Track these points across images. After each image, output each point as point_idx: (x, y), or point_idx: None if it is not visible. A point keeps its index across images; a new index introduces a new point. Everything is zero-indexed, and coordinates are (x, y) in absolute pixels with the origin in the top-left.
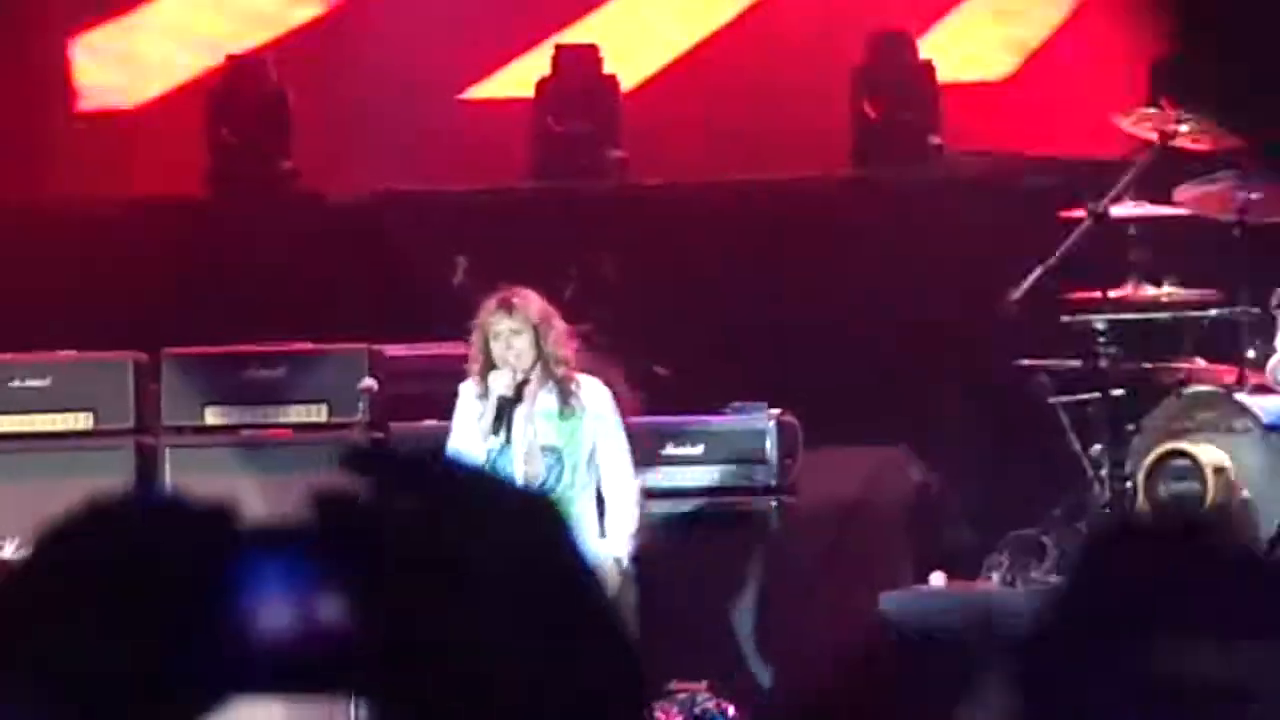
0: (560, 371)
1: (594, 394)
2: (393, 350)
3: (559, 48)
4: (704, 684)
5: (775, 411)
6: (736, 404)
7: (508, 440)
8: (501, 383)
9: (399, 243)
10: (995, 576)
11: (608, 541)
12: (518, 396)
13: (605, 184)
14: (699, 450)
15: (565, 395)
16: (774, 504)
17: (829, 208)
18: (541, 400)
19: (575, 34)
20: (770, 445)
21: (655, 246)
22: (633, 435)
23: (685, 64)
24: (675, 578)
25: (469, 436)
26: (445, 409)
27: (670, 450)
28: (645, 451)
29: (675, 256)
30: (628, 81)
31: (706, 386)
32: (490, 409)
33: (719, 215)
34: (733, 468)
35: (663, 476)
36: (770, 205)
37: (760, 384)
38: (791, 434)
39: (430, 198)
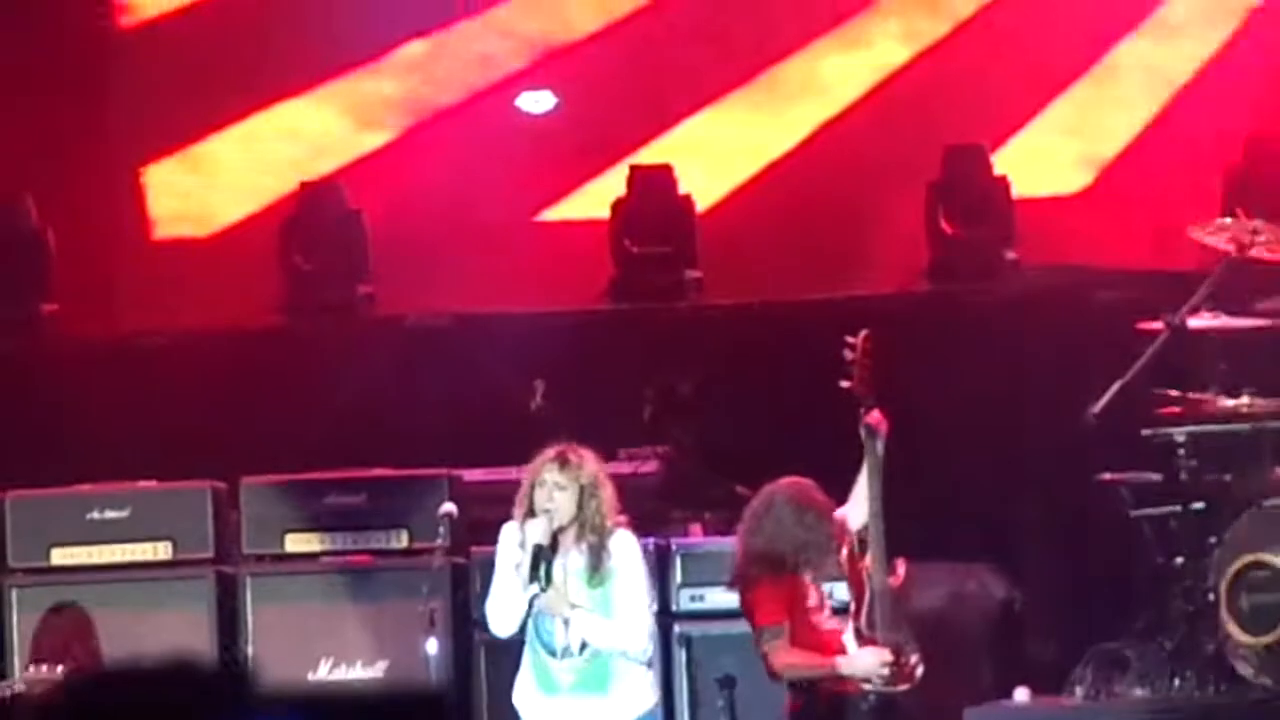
0: (593, 539)
1: (622, 549)
2: (471, 475)
3: (634, 168)
4: None
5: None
6: None
7: (545, 588)
8: (537, 531)
9: (476, 366)
10: (1079, 691)
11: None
12: (553, 546)
13: (682, 304)
14: None
15: (596, 561)
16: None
17: (907, 324)
18: (573, 560)
19: (650, 154)
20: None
21: (733, 366)
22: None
23: (759, 182)
24: (758, 698)
25: (508, 583)
26: None
27: None
28: (726, 572)
29: (753, 375)
30: (703, 201)
31: None
32: (527, 556)
33: (795, 334)
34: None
35: None
36: (847, 322)
37: (840, 501)
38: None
39: (507, 320)
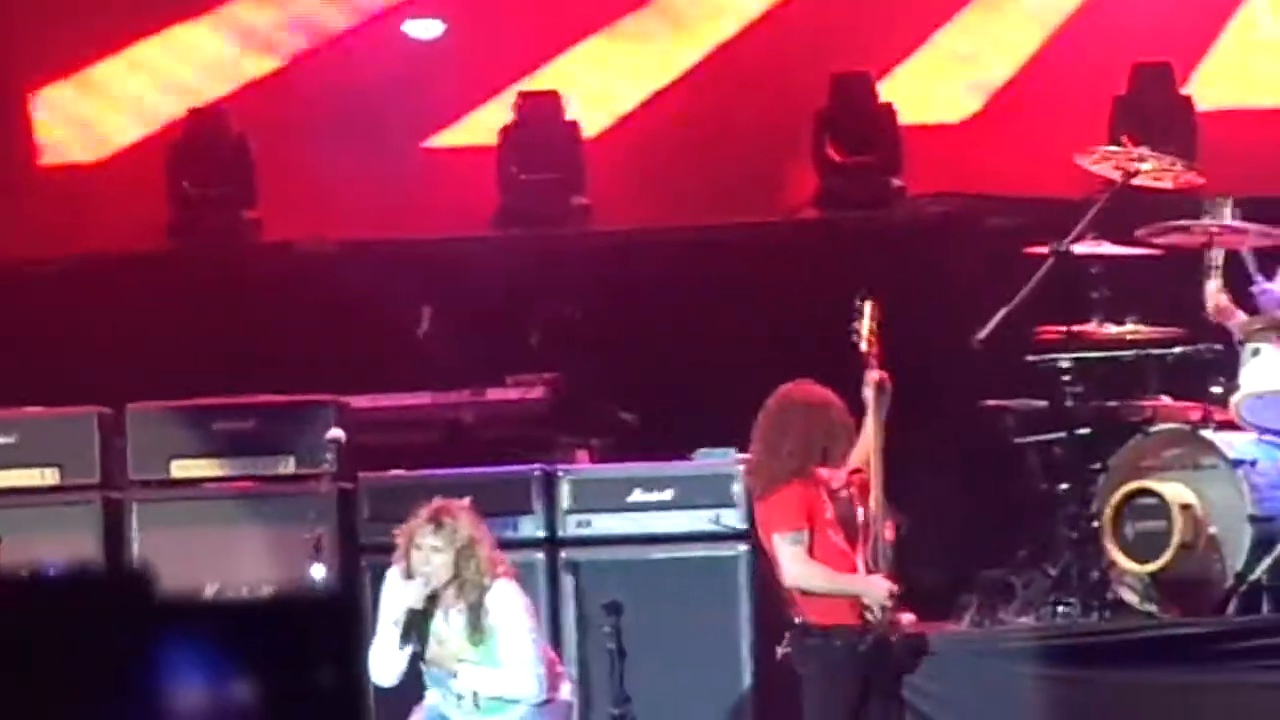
0: (472, 598)
1: (502, 602)
2: (358, 401)
3: (521, 95)
4: None
5: (743, 455)
6: (704, 449)
7: (420, 652)
8: (412, 594)
9: (364, 293)
10: (964, 618)
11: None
12: (427, 611)
13: (569, 231)
14: (668, 495)
15: (476, 619)
16: (743, 548)
17: (793, 251)
18: (454, 618)
19: (539, 81)
20: (738, 489)
21: (620, 293)
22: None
23: (648, 110)
24: (646, 623)
25: (389, 636)
26: (411, 459)
27: (639, 496)
28: (614, 498)
29: (640, 302)
30: (592, 128)
31: (674, 432)
32: (403, 619)
33: (683, 260)
34: (701, 512)
35: (632, 523)
36: (735, 249)
37: (728, 428)
38: None
39: (394, 247)
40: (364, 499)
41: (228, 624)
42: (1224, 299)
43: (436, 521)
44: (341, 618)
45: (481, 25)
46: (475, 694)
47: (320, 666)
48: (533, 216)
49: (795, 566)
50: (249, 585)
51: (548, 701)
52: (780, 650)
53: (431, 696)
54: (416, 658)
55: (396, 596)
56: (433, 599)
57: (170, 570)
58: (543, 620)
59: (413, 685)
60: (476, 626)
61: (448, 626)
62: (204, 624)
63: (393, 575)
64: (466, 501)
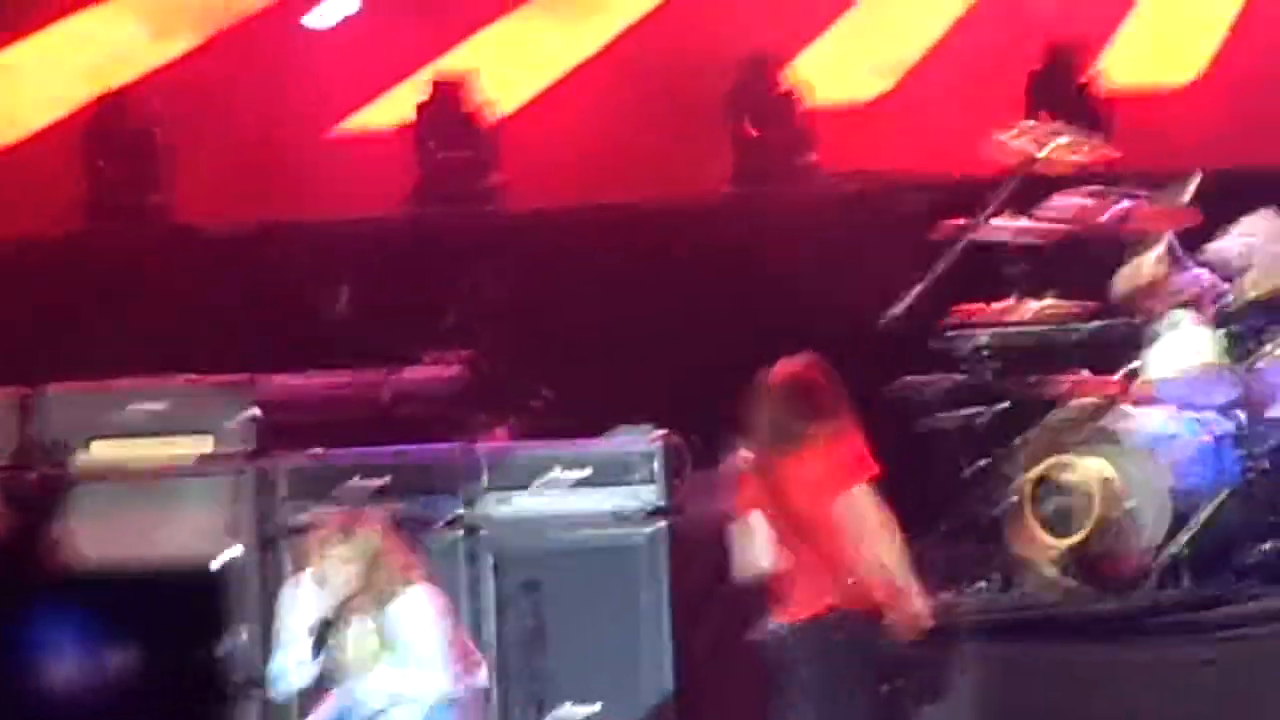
0: (382, 607)
1: (412, 608)
2: (276, 381)
3: (434, 76)
4: (598, 706)
5: (661, 433)
6: (622, 426)
7: (330, 658)
8: (323, 604)
9: (280, 273)
10: None
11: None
12: (337, 619)
13: (485, 209)
14: (586, 473)
15: (385, 629)
16: (662, 525)
17: (707, 228)
18: (365, 626)
19: (451, 61)
20: (656, 466)
21: (536, 271)
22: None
23: (562, 89)
24: (564, 601)
25: (296, 643)
26: (328, 437)
27: (556, 474)
28: (532, 476)
29: (556, 280)
30: (505, 107)
31: (592, 409)
32: (313, 628)
33: (598, 238)
34: (620, 490)
35: (549, 501)
36: (649, 226)
37: (646, 405)
38: (678, 455)
39: (309, 227)
40: (281, 479)
41: (116, 596)
42: (1162, 269)
43: (345, 532)
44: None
45: (395, 4)
46: (384, 694)
47: (204, 641)
48: (449, 195)
49: (882, 513)
50: (165, 565)
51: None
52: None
53: (338, 695)
54: (327, 661)
55: (307, 604)
56: (344, 606)
57: (87, 551)
58: (461, 600)
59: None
60: (386, 635)
61: (358, 634)
62: (93, 596)
63: (303, 581)
64: (377, 513)
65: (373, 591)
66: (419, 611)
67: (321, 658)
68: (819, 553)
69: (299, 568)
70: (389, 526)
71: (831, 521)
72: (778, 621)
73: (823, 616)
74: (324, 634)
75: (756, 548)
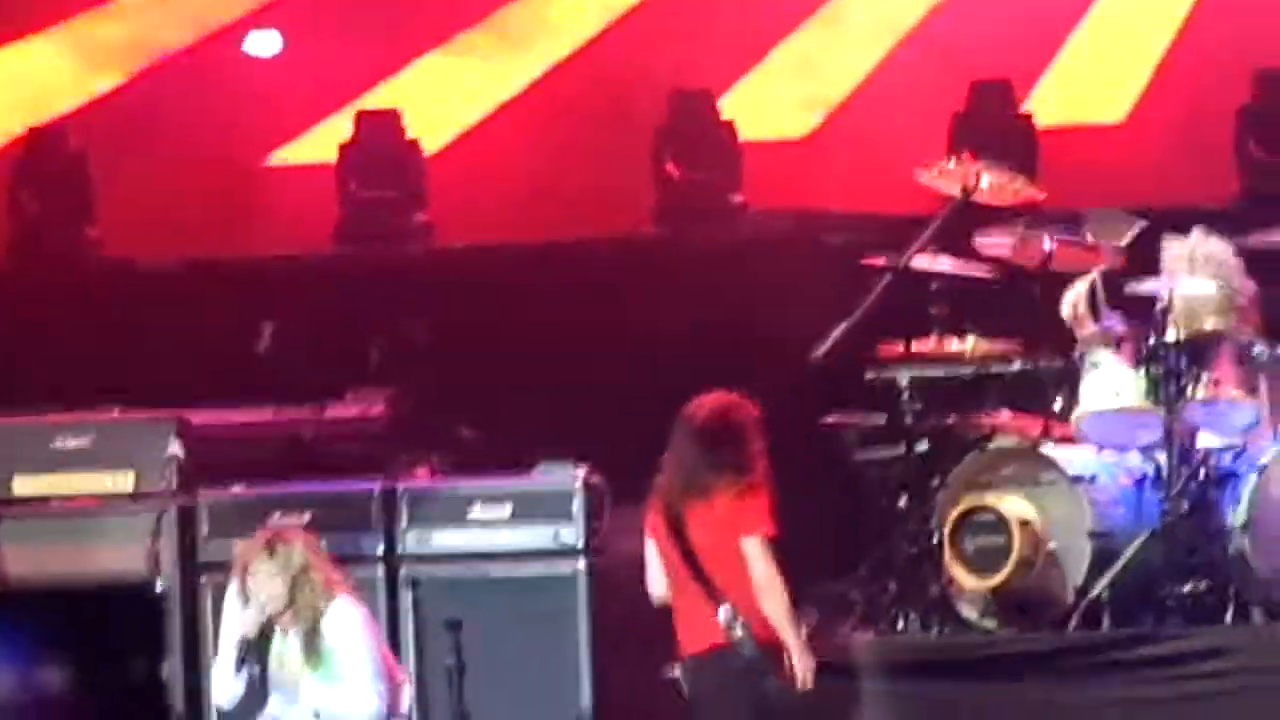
0: (308, 622)
1: (340, 622)
2: (199, 418)
3: (360, 113)
4: None
5: (582, 471)
6: (544, 464)
7: (262, 673)
8: (249, 620)
9: (204, 310)
10: (803, 632)
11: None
12: (266, 634)
13: (410, 248)
14: (506, 512)
15: (313, 642)
16: (581, 564)
17: (633, 268)
18: (292, 641)
19: (379, 98)
20: (577, 505)
21: (461, 309)
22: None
23: (488, 127)
24: (485, 639)
25: (228, 658)
26: (251, 474)
27: (477, 513)
28: (453, 514)
29: (481, 319)
30: (430, 146)
31: (514, 448)
32: (239, 644)
33: (524, 277)
34: (540, 528)
35: (470, 539)
36: (575, 266)
37: (568, 444)
38: (599, 494)
39: (235, 264)
40: (204, 515)
41: (45, 615)
42: (1083, 307)
43: (270, 548)
44: (157, 616)
45: (323, 41)
46: (316, 712)
47: (133, 660)
48: (373, 234)
49: (772, 570)
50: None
51: (390, 715)
52: (682, 674)
53: (273, 706)
54: (261, 677)
55: (231, 620)
56: (271, 621)
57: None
58: (382, 636)
59: (256, 699)
60: (314, 648)
61: (287, 648)
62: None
63: (231, 597)
64: (301, 526)
65: (299, 606)
66: (348, 623)
67: (244, 674)
68: (706, 593)
69: (220, 601)
70: (313, 541)
71: (729, 562)
72: (679, 657)
73: (709, 654)
74: (250, 649)
75: (651, 574)
